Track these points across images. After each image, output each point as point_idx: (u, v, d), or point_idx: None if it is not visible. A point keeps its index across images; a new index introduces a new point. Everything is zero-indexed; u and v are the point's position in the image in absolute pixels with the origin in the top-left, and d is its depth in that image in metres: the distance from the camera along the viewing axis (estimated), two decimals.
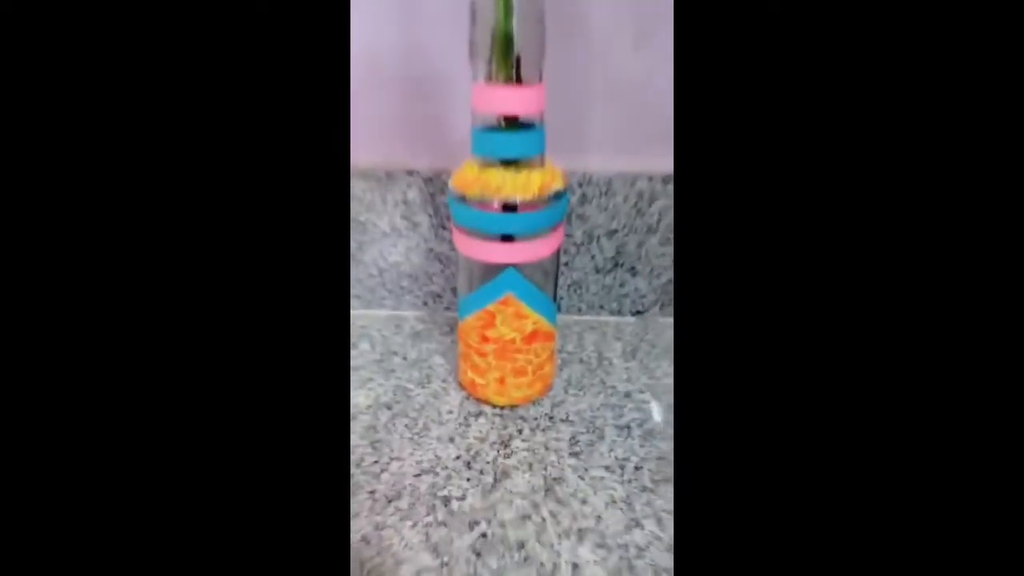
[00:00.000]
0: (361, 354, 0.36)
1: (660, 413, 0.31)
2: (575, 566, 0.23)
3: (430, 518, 0.25)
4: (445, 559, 0.24)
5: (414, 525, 0.25)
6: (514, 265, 0.27)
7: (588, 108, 0.34)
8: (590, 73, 0.33)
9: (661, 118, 0.34)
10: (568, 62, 0.33)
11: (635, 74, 0.33)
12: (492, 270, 0.28)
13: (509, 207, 0.25)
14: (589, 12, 0.32)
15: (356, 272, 0.39)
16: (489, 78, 0.23)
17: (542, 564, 0.23)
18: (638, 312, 0.40)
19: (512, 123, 0.24)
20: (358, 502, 0.26)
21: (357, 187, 0.36)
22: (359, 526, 0.25)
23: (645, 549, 0.24)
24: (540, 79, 0.24)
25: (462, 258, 0.29)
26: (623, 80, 0.33)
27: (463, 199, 0.26)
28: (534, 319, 0.29)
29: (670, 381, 0.34)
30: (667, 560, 0.23)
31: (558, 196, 0.26)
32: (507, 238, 0.26)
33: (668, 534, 0.25)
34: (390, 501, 0.26)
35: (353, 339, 0.38)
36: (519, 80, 0.23)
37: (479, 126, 0.25)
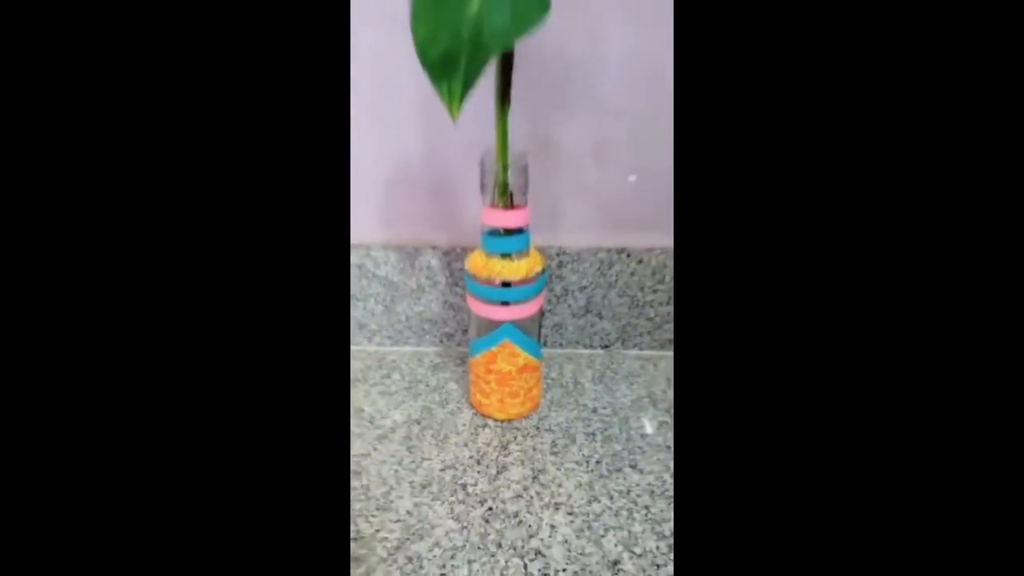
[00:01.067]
0: (394, 382, 0.48)
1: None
2: (552, 527, 0.35)
3: (453, 498, 0.37)
4: (464, 524, 0.35)
5: (442, 503, 0.36)
6: (510, 321, 0.39)
7: (563, 203, 0.47)
8: (565, 179, 0.46)
9: (615, 209, 0.46)
10: (551, 172, 0.45)
11: (595, 179, 0.45)
12: (494, 324, 0.39)
13: (506, 283, 0.37)
14: (562, 140, 0.44)
15: (389, 319, 0.51)
16: (493, 204, 0.35)
17: (530, 526, 0.35)
18: (605, 346, 0.52)
19: (508, 231, 0.36)
20: (402, 489, 0.37)
21: (392, 257, 0.48)
22: (404, 505, 0.36)
23: (600, 515, 0.35)
24: (525, 203, 0.36)
25: (473, 315, 0.40)
26: (587, 184, 0.46)
27: (475, 278, 0.38)
28: (524, 356, 0.41)
29: (626, 400, 0.45)
30: (614, 522, 0.35)
31: (540, 274, 0.38)
32: (505, 303, 0.38)
33: (616, 505, 0.36)
34: (424, 487, 0.37)
35: (386, 371, 0.49)
36: (512, 205, 0.35)
37: (486, 231, 0.37)
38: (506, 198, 0.35)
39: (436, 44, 0.25)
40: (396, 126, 0.44)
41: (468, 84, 0.25)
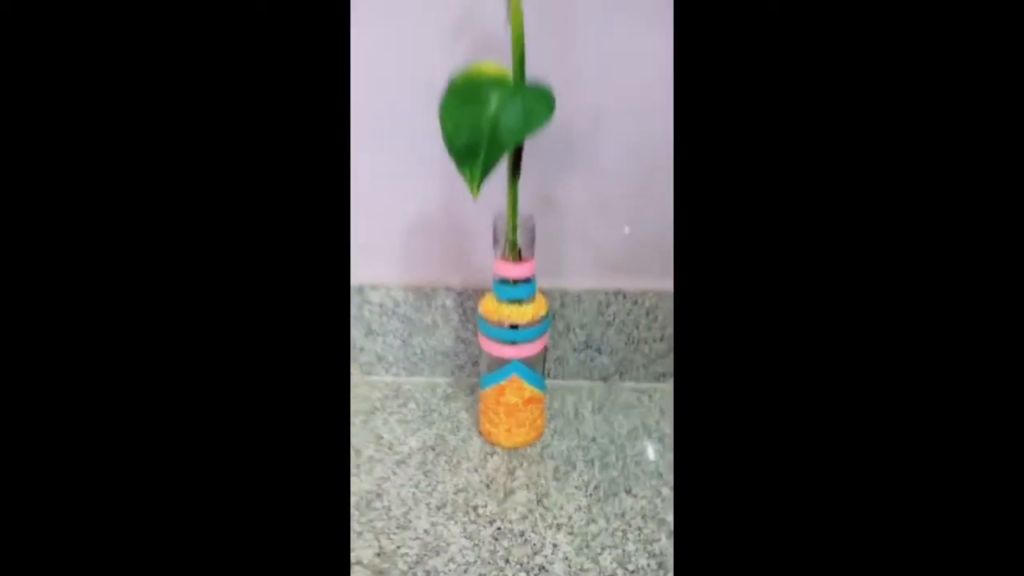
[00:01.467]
0: (410, 411, 0.52)
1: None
2: (554, 545, 0.39)
3: (465, 518, 0.41)
4: (475, 542, 0.39)
5: (456, 523, 0.40)
6: (518, 359, 0.44)
7: (565, 250, 0.52)
8: (569, 231, 0.51)
9: (612, 256, 0.51)
10: (555, 224, 0.50)
11: (595, 231, 0.51)
12: (503, 361, 0.44)
13: (514, 326, 0.42)
14: (565, 198, 0.50)
15: (406, 352, 0.55)
16: (504, 258, 0.41)
17: (534, 544, 0.39)
18: (603, 379, 0.56)
19: (516, 281, 0.41)
20: (419, 509, 0.42)
21: (411, 297, 0.53)
22: (421, 524, 0.40)
23: (597, 535, 0.39)
24: (532, 256, 0.41)
25: (484, 353, 0.45)
26: (587, 235, 0.51)
27: (486, 320, 0.43)
28: (530, 390, 0.45)
29: (623, 431, 0.50)
30: (611, 541, 0.39)
31: (545, 317, 0.43)
32: (513, 343, 0.43)
33: (612, 526, 0.40)
34: (439, 508, 0.42)
35: (403, 400, 0.53)
36: (520, 259, 0.40)
37: (497, 280, 0.42)
38: (515, 252, 0.40)
39: (460, 136, 0.30)
40: (418, 181, 0.50)
41: (487, 170, 0.31)
